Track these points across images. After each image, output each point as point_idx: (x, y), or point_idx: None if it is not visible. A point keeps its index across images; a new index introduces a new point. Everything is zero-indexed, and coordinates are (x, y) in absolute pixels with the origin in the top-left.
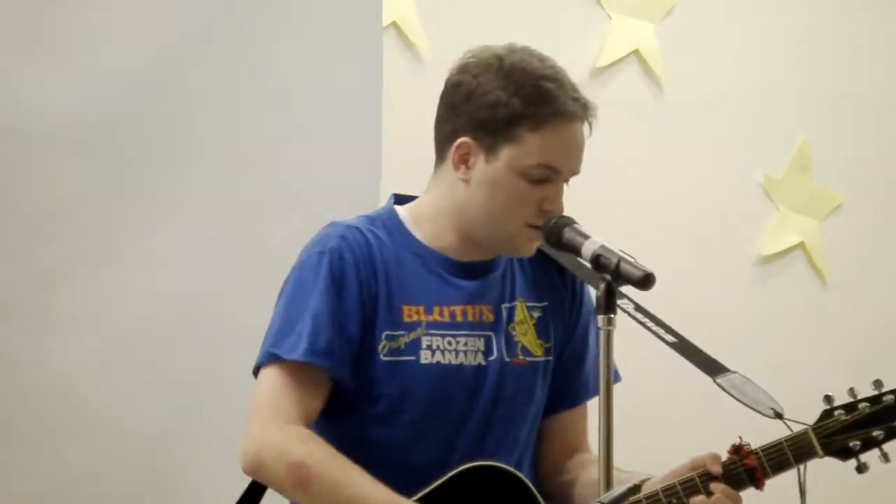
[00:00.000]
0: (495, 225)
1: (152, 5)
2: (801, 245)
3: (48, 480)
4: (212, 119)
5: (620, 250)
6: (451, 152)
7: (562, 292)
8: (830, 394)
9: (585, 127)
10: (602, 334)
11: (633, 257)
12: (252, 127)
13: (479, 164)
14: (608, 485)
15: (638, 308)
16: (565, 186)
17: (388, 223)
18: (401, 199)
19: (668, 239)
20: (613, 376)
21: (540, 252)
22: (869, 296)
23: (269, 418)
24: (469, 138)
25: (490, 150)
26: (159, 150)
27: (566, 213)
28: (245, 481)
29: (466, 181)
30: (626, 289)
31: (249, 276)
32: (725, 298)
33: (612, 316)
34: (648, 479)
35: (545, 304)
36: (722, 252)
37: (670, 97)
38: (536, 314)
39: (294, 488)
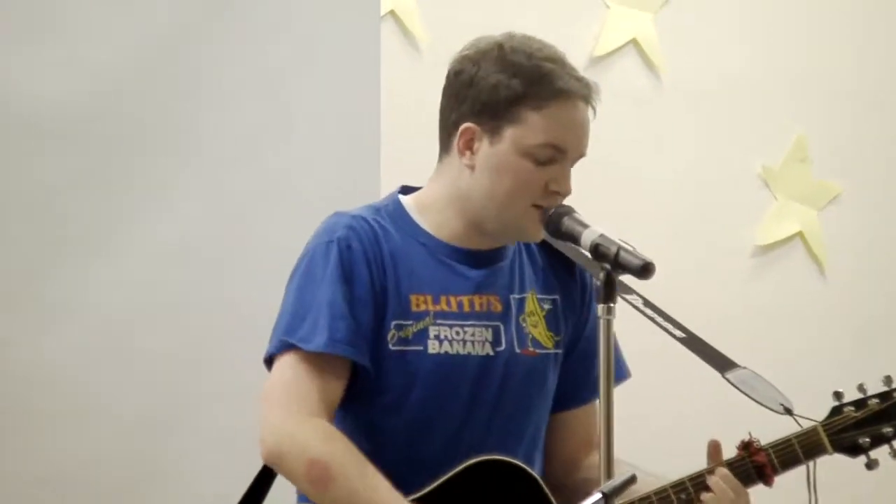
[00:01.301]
0: (501, 208)
1: None
2: (800, 234)
3: (41, 467)
4: (205, 108)
5: (620, 239)
6: (456, 139)
7: (572, 288)
8: (840, 390)
9: (589, 109)
10: (601, 323)
11: (632, 246)
12: (248, 116)
13: (484, 148)
14: (608, 474)
15: (647, 303)
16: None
17: (394, 213)
18: (406, 191)
19: (666, 228)
20: (622, 372)
21: (549, 247)
22: (867, 285)
23: (290, 408)
24: (473, 123)
25: (494, 132)
26: (151, 139)
27: (566, 202)
28: (235, 469)
29: (472, 167)
30: (634, 283)
31: (241, 265)
32: (724, 287)
33: (612, 305)
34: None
35: (555, 297)
36: (720, 241)
37: (668, 86)
38: (547, 306)
39: (312, 486)
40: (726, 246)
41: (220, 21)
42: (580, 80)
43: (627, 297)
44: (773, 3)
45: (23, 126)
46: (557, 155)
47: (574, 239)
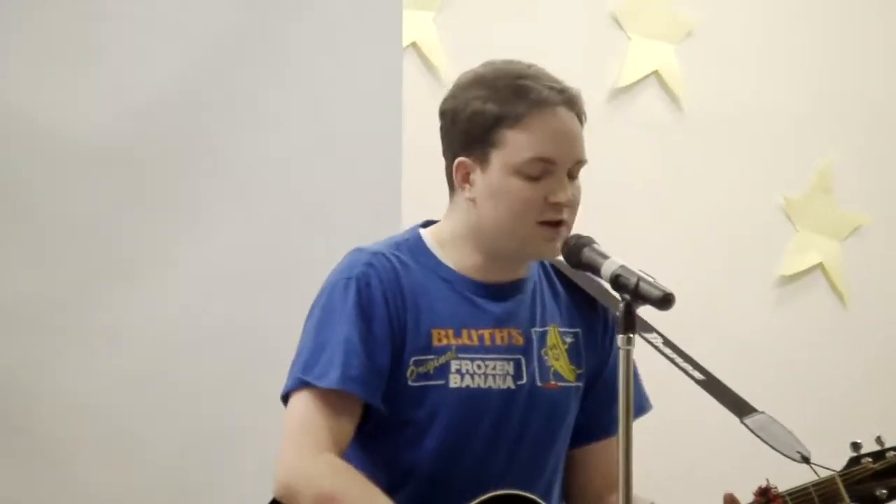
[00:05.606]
0: (509, 233)
1: (178, 23)
2: (821, 266)
3: (71, 495)
4: (236, 137)
5: (640, 270)
6: (455, 176)
7: (594, 322)
8: (858, 441)
9: (573, 115)
10: (621, 353)
11: (652, 277)
12: (275, 146)
13: (479, 179)
14: None
15: (667, 343)
16: (579, 182)
17: (414, 248)
18: (427, 224)
19: (688, 260)
20: (643, 405)
21: (571, 282)
22: (888, 317)
23: (302, 445)
24: (464, 157)
25: (482, 160)
26: (186, 166)
27: (585, 232)
28: (266, 500)
29: (473, 200)
30: (656, 322)
31: (274, 292)
32: (745, 319)
33: (632, 336)
34: None
35: (577, 330)
36: (741, 272)
37: (690, 118)
38: (569, 339)
39: None
40: (748, 276)
41: (247, 53)
42: (555, 87)
43: (647, 335)
44: (795, 33)
45: (65, 153)
46: (549, 167)
47: (594, 269)
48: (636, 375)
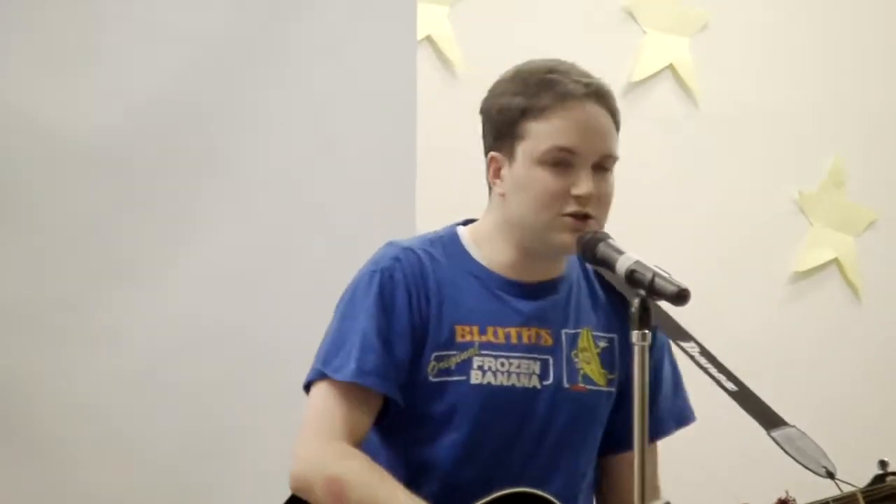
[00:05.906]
0: (533, 226)
1: (182, 22)
2: (836, 261)
3: (71, 495)
4: (242, 136)
5: (655, 266)
6: (488, 172)
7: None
8: (885, 459)
9: (601, 109)
10: (636, 350)
11: (668, 273)
12: (284, 143)
13: (507, 172)
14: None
15: (703, 352)
16: (612, 178)
17: (448, 244)
18: (468, 223)
19: (702, 254)
20: (687, 415)
21: (612, 287)
22: None
23: (314, 436)
24: (494, 152)
25: (510, 154)
26: (187, 168)
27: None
28: (266, 500)
29: (503, 194)
30: (684, 322)
31: (274, 293)
32: (759, 314)
33: (647, 332)
34: None
35: (613, 336)
36: (756, 267)
37: (704, 112)
38: (602, 344)
39: (332, 502)
40: (763, 272)
41: (260, 50)
42: (581, 81)
43: (685, 345)
44: (809, 27)
45: (65, 153)
46: (570, 157)
47: (609, 265)
48: (680, 384)
